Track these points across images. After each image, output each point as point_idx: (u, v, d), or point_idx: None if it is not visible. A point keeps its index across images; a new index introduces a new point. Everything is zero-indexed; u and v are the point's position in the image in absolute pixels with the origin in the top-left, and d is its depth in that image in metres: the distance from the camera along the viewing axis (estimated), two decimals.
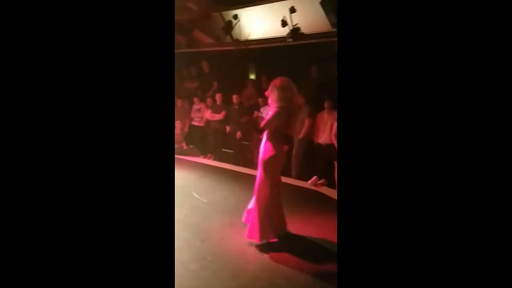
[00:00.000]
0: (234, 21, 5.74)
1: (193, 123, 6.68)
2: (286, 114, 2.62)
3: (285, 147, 2.97)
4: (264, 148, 2.72)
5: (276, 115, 2.63)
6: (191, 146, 6.50)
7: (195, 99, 6.62)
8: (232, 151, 6.08)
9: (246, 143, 5.79)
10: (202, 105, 6.53)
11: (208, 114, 6.27)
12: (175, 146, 6.63)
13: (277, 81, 2.67)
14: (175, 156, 6.38)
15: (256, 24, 5.77)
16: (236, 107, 5.94)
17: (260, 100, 5.43)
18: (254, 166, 5.12)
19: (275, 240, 2.76)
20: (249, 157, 5.58)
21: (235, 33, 5.93)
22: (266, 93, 2.76)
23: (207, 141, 6.41)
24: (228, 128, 6.05)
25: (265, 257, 2.65)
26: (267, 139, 2.71)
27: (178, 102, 6.91)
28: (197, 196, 4.03)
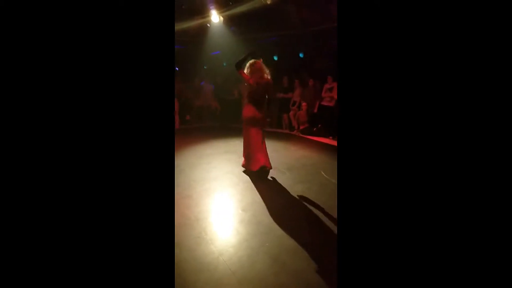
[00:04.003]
0: None
1: (323, 103, 6.42)
2: (258, 87, 3.67)
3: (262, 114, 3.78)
4: (244, 109, 3.83)
5: (246, 87, 3.90)
6: (320, 126, 6.29)
7: (329, 78, 6.32)
8: None
9: None
10: (334, 84, 6.19)
11: None
12: (302, 126, 6.56)
13: (250, 63, 3.70)
14: (304, 136, 6.33)
15: None
16: None
17: None
18: None
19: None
20: None
21: None
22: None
23: (336, 122, 6.07)
24: None
25: None
26: (247, 103, 3.81)
27: (310, 82, 6.77)
28: (325, 175, 3.84)
